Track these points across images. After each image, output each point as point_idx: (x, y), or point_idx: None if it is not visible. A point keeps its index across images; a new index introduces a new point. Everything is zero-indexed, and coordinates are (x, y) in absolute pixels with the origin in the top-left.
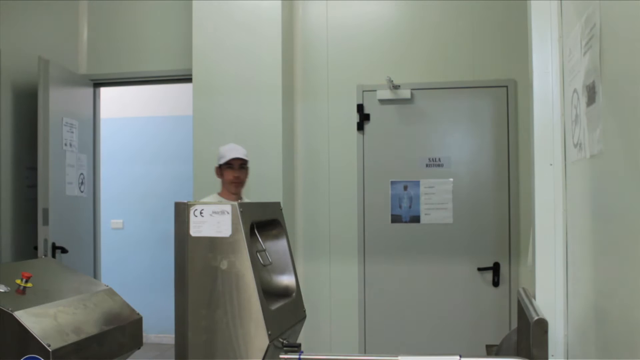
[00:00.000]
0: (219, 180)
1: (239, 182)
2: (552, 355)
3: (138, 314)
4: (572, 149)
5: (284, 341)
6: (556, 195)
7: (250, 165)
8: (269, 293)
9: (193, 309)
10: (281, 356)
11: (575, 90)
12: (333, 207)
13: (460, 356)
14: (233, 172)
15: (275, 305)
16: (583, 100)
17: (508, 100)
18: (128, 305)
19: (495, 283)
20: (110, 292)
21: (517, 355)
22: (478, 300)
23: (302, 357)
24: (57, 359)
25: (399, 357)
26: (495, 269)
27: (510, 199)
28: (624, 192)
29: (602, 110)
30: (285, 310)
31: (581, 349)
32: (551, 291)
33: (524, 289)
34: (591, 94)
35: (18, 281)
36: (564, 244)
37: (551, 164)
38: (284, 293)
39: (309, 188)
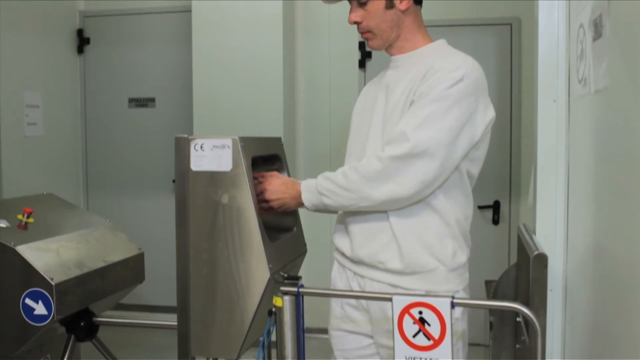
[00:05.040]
0: (220, 118)
1: (362, 32)
2: (551, 290)
3: (140, 248)
4: (577, 84)
5: (285, 274)
6: (559, 132)
7: (250, 101)
8: (270, 228)
9: (194, 242)
10: (282, 288)
11: (581, 25)
12: (334, 144)
13: (453, 297)
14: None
15: (276, 240)
16: (589, 34)
17: (512, 38)
18: (130, 240)
19: (495, 221)
20: (112, 228)
21: (516, 290)
22: (478, 238)
23: (301, 290)
24: (60, 292)
25: (394, 296)
26: (496, 207)
27: (512, 137)
28: (628, 127)
29: (608, 44)
30: (286, 244)
31: (579, 284)
32: (551, 227)
33: (524, 225)
34: (597, 28)
35: (19, 216)
36: (565, 180)
37: (554, 101)
38: (284, 228)
39: (309, 125)
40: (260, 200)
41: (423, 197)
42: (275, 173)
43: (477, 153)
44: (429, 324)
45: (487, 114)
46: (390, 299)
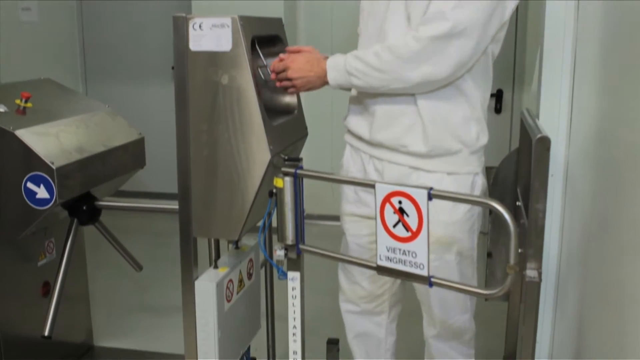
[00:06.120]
0: (219, 3)
1: None
2: (552, 175)
3: (140, 133)
4: None
5: (286, 157)
6: (567, 15)
7: None
8: (271, 110)
9: (194, 124)
10: (282, 169)
11: None
12: (336, 26)
13: (431, 188)
14: None
15: (276, 122)
16: None
17: None
18: (130, 126)
19: (498, 110)
20: (111, 113)
21: (517, 175)
22: None
23: (299, 171)
24: (61, 176)
25: (377, 183)
26: (499, 95)
27: (518, 25)
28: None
29: None
30: (286, 127)
31: (581, 170)
32: (555, 111)
33: (527, 110)
34: None
35: (17, 101)
36: (571, 64)
37: None
38: (285, 110)
39: (310, 6)
40: (282, 79)
41: (455, 79)
42: (301, 48)
43: (501, 33)
44: (407, 215)
45: None
46: (373, 185)
